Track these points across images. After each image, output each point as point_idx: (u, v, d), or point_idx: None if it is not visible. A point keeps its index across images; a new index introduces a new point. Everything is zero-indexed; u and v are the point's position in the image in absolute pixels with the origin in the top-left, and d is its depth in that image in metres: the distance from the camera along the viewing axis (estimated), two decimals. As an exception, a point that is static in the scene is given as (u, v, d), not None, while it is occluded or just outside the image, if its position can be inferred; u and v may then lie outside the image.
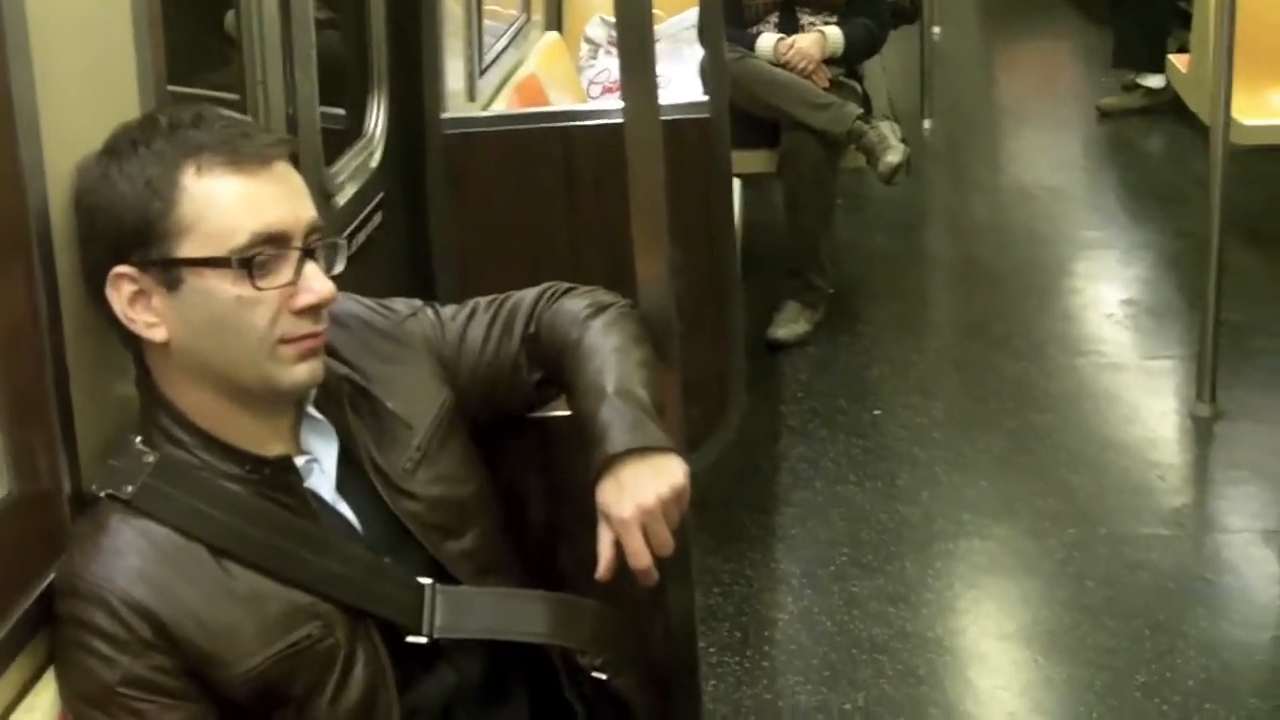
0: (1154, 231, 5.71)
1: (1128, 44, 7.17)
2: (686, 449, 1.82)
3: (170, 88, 1.90)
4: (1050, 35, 9.42)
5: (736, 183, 4.42)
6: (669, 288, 1.91)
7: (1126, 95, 7.20)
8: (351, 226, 2.98)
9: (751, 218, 5.19)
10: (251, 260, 1.55)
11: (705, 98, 3.37)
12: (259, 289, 1.56)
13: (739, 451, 3.69)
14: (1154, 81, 6.99)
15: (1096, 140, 7.05)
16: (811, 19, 5.03)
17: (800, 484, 4.03)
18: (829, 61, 4.96)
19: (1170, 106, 6.60)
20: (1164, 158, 6.71)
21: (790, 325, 4.88)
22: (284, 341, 1.59)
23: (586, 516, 1.73)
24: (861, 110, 4.85)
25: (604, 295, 1.92)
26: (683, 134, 3.25)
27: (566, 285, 1.94)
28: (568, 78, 5.10)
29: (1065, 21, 9.44)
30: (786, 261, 4.98)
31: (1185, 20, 6.42)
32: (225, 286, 1.55)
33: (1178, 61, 6.27)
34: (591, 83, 5.23)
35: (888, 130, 4.77)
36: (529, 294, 1.92)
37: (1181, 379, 4.41)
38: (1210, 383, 4.17)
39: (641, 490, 1.69)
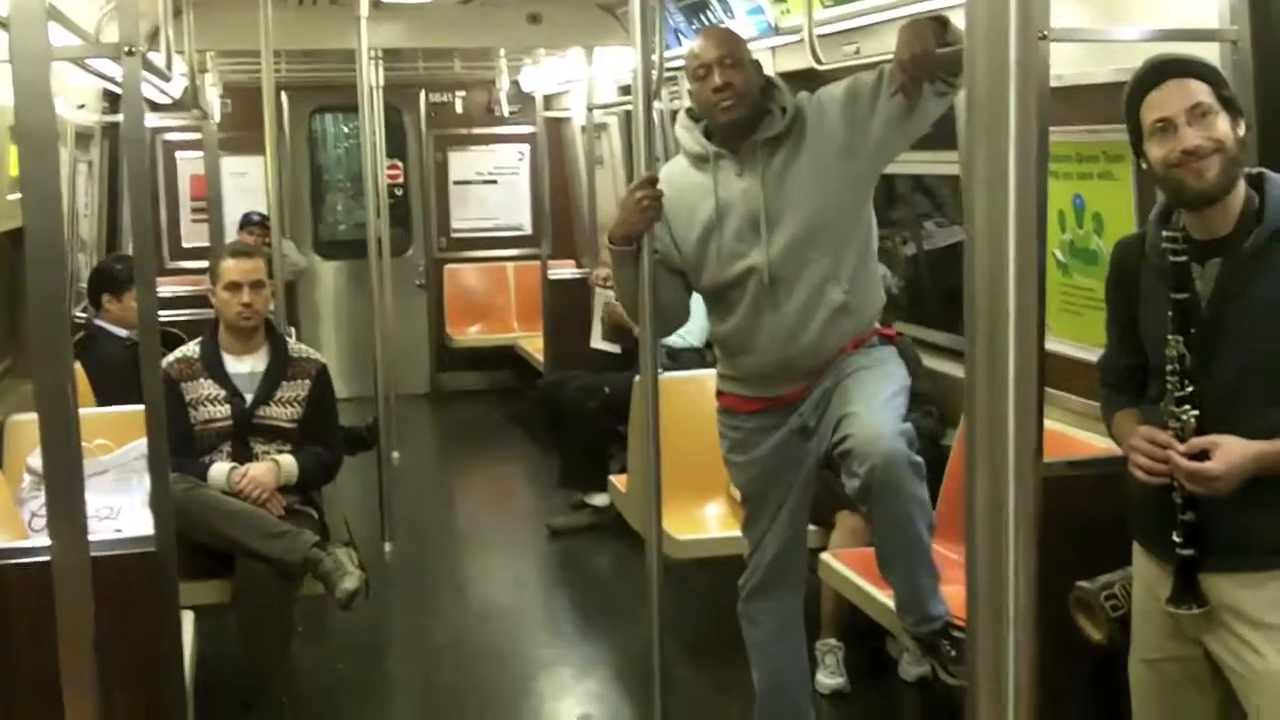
0: (605, 645, 5.93)
1: (573, 465, 7.62)
2: None
3: None
4: (503, 458, 9.86)
5: (189, 615, 4.30)
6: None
7: (574, 513, 7.58)
8: None
9: (206, 650, 5.03)
10: None
11: (152, 530, 3.30)
12: None
13: None
14: (599, 500, 7.41)
15: (549, 558, 7.33)
16: (265, 447, 5.09)
17: None
18: (283, 489, 5.01)
19: (616, 522, 6.98)
20: (611, 573, 7.04)
21: (247, 762, 4.70)
22: None
23: None
24: (318, 538, 4.88)
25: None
26: (128, 569, 3.16)
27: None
28: (6, 512, 4.88)
29: (516, 445, 9.93)
30: (242, 696, 4.83)
31: (624, 442, 6.90)
32: None
33: (618, 481, 6.70)
34: (35, 515, 5.01)
35: (344, 557, 4.81)
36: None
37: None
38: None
39: None
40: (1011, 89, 1.06)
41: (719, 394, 4.29)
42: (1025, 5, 1.07)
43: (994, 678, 1.12)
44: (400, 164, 11.66)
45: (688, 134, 4.14)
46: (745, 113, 3.99)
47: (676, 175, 4.13)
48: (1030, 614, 1.13)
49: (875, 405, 3.84)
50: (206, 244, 8.91)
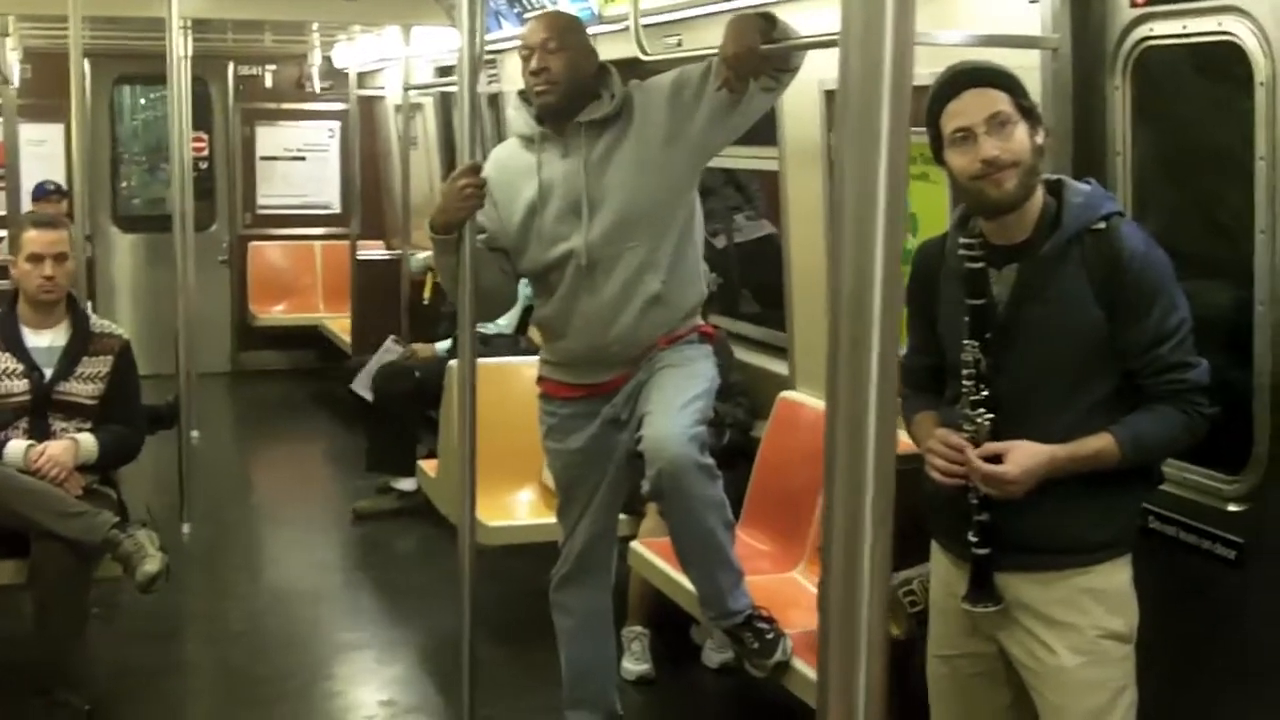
0: (411, 630, 5.88)
1: (380, 448, 7.52)
2: None
3: None
4: (307, 440, 9.72)
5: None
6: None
7: (381, 497, 7.50)
8: None
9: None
10: None
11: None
12: None
13: None
14: (406, 484, 7.33)
15: (353, 541, 7.23)
16: (64, 425, 4.92)
17: None
18: (83, 468, 4.85)
19: (423, 507, 6.92)
20: (418, 557, 6.98)
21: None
22: None
23: None
24: (117, 519, 4.75)
25: None
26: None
27: None
28: None
29: (320, 426, 9.79)
30: (34, 679, 4.67)
31: (433, 427, 6.85)
32: None
33: (427, 466, 6.64)
34: None
35: (145, 538, 4.68)
36: None
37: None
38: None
39: None
40: (885, 89, 1.07)
41: (539, 379, 4.29)
42: (901, 5, 1.08)
43: (846, 677, 1.14)
44: (205, 137, 11.38)
45: (518, 114, 4.13)
46: (558, 99, 3.99)
47: (505, 156, 4.14)
48: (881, 614, 1.14)
49: (671, 408, 3.88)
50: (2, 213, 8.60)
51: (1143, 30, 3.43)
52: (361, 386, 7.76)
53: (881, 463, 1.13)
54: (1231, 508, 3.28)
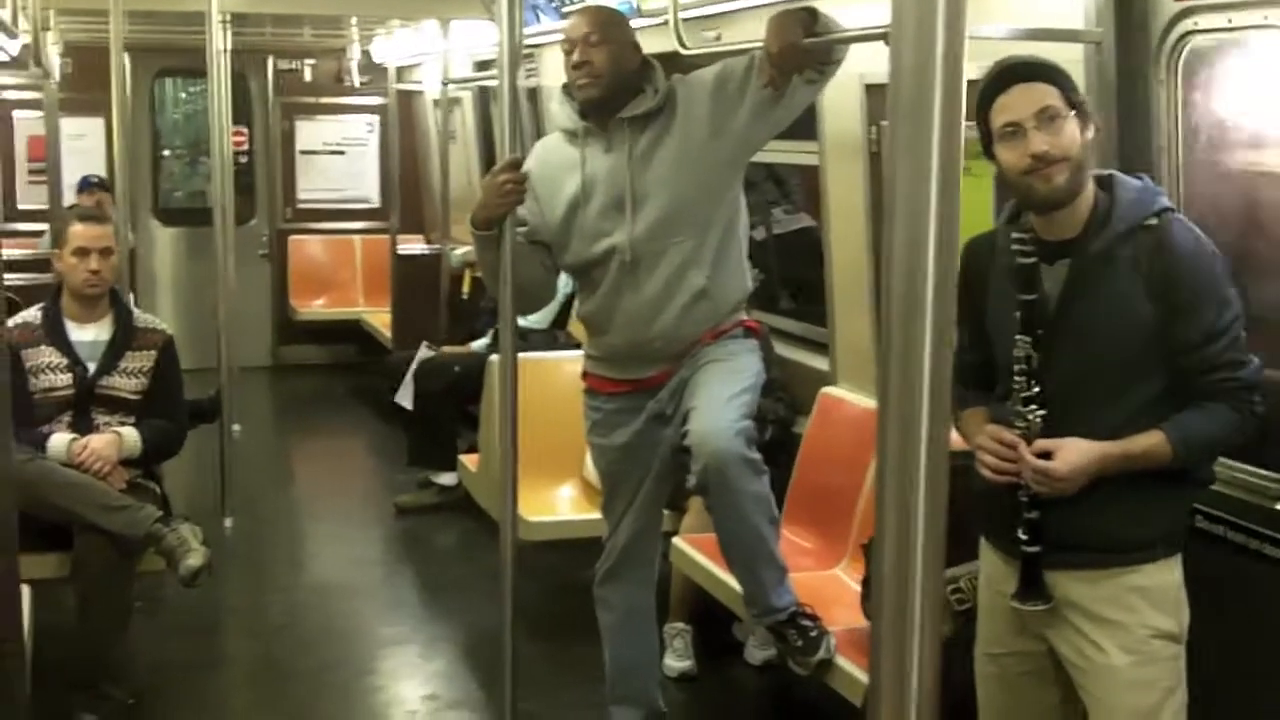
0: (452, 625, 5.88)
1: (421, 443, 7.53)
2: None
3: None
4: (347, 434, 9.74)
5: (26, 590, 4.16)
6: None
7: (422, 492, 7.50)
8: None
9: (41, 625, 4.88)
10: None
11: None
12: None
13: None
14: (447, 479, 7.34)
15: (394, 536, 7.24)
16: (107, 419, 4.95)
17: None
18: (126, 462, 4.87)
19: (463, 502, 6.93)
20: (458, 552, 6.99)
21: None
22: None
23: None
24: (161, 512, 4.76)
25: None
26: (-36, 543, 3.05)
27: None
28: None
29: (360, 420, 9.81)
30: (77, 672, 4.69)
31: (474, 422, 6.85)
32: None
33: (468, 461, 6.64)
34: None
35: (188, 532, 4.70)
36: None
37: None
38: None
39: None
40: (938, 84, 1.05)
41: (584, 374, 4.29)
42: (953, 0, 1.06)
43: (897, 678, 1.12)
44: (245, 131, 11.43)
45: (561, 109, 4.13)
46: (600, 92, 3.98)
47: (548, 150, 4.15)
48: (934, 614, 1.13)
49: (718, 402, 3.87)
50: (42, 206, 8.66)
51: (1187, 24, 3.39)
52: (404, 399, 7.77)
53: (933, 464, 1.11)
54: (1280, 507, 3.25)
